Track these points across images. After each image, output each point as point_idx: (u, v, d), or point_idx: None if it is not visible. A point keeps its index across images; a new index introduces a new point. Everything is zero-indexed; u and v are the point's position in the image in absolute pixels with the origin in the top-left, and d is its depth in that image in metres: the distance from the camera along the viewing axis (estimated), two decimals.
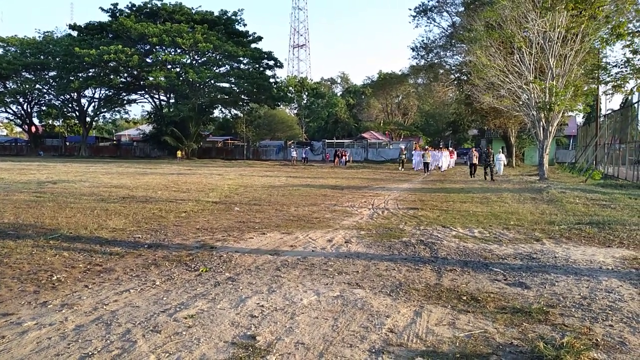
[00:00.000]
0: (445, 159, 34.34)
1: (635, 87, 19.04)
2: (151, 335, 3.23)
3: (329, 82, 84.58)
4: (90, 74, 50.98)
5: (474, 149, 27.25)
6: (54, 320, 3.49)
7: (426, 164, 28.64)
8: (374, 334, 3.29)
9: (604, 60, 21.62)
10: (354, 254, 5.81)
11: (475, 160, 24.33)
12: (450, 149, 42.93)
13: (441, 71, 43.79)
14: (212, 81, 51.41)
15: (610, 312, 3.81)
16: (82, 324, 3.41)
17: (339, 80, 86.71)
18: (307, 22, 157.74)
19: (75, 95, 55.30)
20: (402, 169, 32.80)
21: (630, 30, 18.30)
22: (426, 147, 39.13)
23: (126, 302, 3.93)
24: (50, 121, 66.93)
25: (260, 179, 20.43)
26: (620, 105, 23.14)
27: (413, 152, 36.50)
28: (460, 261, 5.52)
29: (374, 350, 3.03)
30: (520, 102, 21.75)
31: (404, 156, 35.54)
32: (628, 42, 18.17)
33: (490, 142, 47.49)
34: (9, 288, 4.25)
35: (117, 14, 51.57)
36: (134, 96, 58.45)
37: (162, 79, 46.13)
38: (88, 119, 59.26)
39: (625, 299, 4.16)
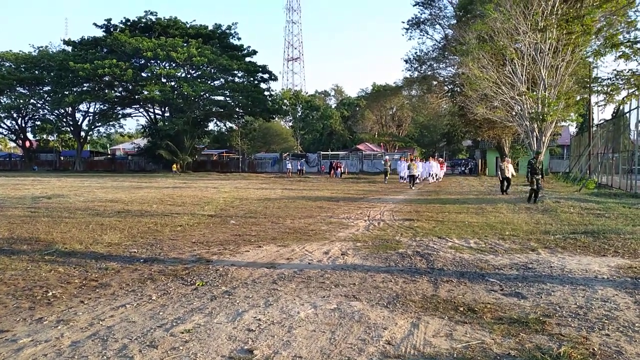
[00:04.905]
0: (435, 169, 33.57)
1: (626, 97, 19.23)
2: (148, 350, 3.22)
3: (323, 95, 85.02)
4: (84, 88, 51.07)
5: (507, 159, 20.88)
6: (50, 336, 3.46)
7: (411, 177, 25.13)
8: (371, 347, 3.29)
9: (595, 71, 21.90)
10: (351, 266, 5.81)
11: (508, 174, 18.87)
12: (440, 159, 42.04)
13: (435, 83, 44.24)
14: (207, 95, 51.59)
15: (606, 321, 3.83)
16: (78, 340, 3.39)
17: (333, 93, 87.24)
18: (301, 35, 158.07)
19: (69, 109, 55.24)
20: (386, 182, 30.01)
21: (621, 41, 18.57)
22: (414, 157, 34.89)
23: (122, 317, 3.91)
24: (44, 136, 66.88)
25: (256, 191, 20.42)
26: (612, 114, 23.35)
27: (398, 162, 33.90)
28: (457, 272, 5.53)
29: None
30: (514, 113, 21.95)
31: (388, 168, 32.72)
32: (620, 52, 18.40)
33: (484, 153, 47.77)
34: (4, 304, 4.22)
35: (112, 29, 51.82)
36: (128, 110, 58.52)
37: (157, 92, 46.23)
38: (82, 134, 59.17)
39: (621, 307, 4.18)
